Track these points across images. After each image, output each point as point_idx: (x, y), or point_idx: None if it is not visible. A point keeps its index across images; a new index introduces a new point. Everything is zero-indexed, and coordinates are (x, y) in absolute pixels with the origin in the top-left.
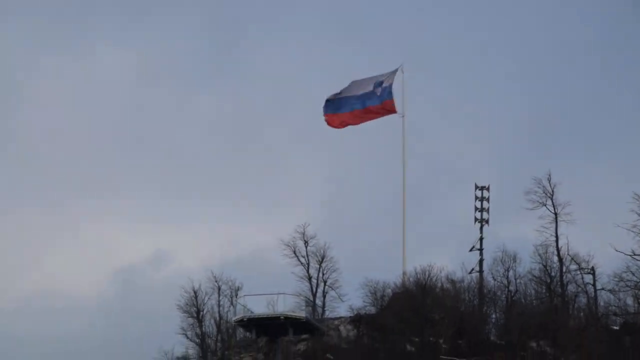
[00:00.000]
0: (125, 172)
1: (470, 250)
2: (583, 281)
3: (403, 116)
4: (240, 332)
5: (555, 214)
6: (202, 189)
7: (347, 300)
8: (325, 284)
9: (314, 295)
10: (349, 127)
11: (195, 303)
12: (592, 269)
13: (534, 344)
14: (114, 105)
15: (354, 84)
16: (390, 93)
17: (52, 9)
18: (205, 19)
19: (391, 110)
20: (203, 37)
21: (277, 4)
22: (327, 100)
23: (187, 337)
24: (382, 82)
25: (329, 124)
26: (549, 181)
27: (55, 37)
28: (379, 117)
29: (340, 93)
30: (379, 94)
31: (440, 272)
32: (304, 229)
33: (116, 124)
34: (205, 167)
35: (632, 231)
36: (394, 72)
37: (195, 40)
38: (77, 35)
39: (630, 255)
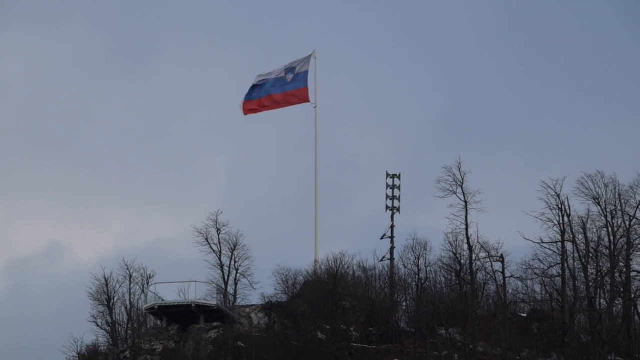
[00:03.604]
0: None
1: (382, 238)
2: (492, 269)
3: (315, 106)
4: (151, 320)
5: (466, 202)
6: (112, 183)
7: (259, 288)
8: (237, 272)
9: (226, 283)
10: (261, 114)
11: (106, 291)
12: (502, 256)
13: (443, 332)
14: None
15: (265, 74)
16: (305, 80)
17: None
18: (114, 21)
19: (304, 99)
20: (110, 37)
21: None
22: (251, 87)
23: (98, 325)
24: (294, 69)
25: (244, 111)
26: (459, 169)
27: None
28: (291, 104)
29: (257, 80)
30: (289, 80)
31: (352, 260)
32: (216, 217)
33: (21, 120)
34: (114, 161)
35: (540, 219)
36: (307, 58)
37: (101, 39)
38: None
39: (538, 243)
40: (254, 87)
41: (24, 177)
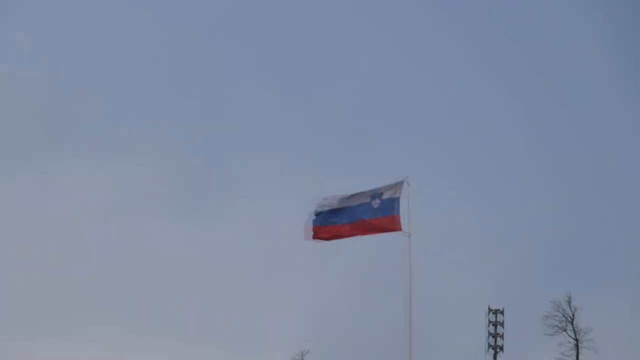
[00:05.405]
0: None
1: None
2: None
3: (410, 235)
4: None
5: (577, 340)
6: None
7: None
8: None
9: None
10: (343, 244)
11: None
12: None
13: None
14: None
15: (345, 198)
16: (396, 207)
17: None
18: None
19: (395, 227)
20: None
21: None
22: (316, 212)
23: None
24: (381, 194)
25: (314, 235)
26: (569, 305)
27: None
28: (379, 233)
29: (329, 205)
30: (376, 206)
31: None
32: (302, 357)
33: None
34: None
35: None
36: (398, 184)
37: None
38: None
39: None
40: (325, 212)
41: None
